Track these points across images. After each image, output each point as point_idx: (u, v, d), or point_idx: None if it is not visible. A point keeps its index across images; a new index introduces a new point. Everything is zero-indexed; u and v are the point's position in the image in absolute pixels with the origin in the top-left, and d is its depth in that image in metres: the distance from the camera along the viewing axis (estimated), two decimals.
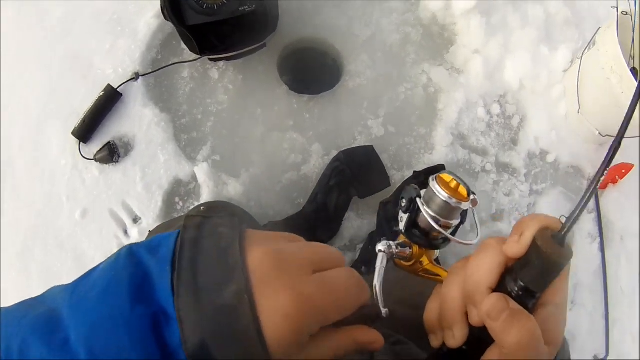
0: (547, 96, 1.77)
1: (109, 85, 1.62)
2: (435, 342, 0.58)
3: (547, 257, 0.50)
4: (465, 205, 0.63)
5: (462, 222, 0.67)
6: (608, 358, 1.68)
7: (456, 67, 1.78)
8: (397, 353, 0.75)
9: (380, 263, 0.63)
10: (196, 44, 1.56)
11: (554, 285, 0.52)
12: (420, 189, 0.69)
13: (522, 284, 0.51)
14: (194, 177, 1.62)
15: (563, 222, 0.51)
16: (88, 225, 1.59)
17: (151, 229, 1.44)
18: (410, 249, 0.66)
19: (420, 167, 1.65)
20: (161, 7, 1.54)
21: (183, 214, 1.60)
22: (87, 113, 1.60)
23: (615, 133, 1.72)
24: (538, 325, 0.49)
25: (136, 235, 1.58)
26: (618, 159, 1.75)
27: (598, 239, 1.73)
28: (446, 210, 0.63)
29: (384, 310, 0.56)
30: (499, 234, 1.66)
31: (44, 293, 0.47)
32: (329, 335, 0.46)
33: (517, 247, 0.52)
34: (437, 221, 0.63)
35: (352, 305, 0.47)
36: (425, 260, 0.66)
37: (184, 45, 1.66)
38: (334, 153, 1.64)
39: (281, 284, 0.42)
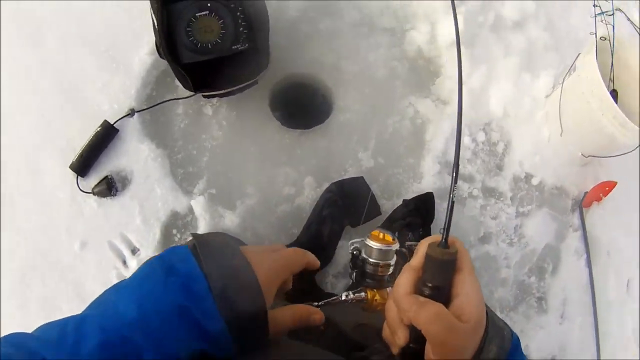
0: (530, 121, 1.84)
1: (105, 120, 1.66)
2: (394, 349, 0.75)
3: (435, 258, 0.69)
4: (394, 247, 0.88)
5: (404, 261, 0.82)
6: None
7: (442, 99, 1.85)
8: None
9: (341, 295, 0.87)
10: (190, 82, 1.62)
11: (459, 280, 0.69)
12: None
13: (428, 284, 0.69)
14: (190, 210, 1.66)
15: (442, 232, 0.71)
16: (87, 257, 1.62)
17: None
18: (365, 293, 0.85)
19: (409, 196, 1.70)
20: (156, 45, 1.60)
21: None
22: (84, 147, 1.64)
23: (597, 153, 1.79)
24: (453, 312, 0.66)
25: (135, 266, 1.60)
26: (601, 177, 1.82)
27: (584, 255, 1.79)
28: (382, 254, 0.87)
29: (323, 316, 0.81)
30: (487, 255, 1.72)
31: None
32: (292, 305, 0.78)
33: (415, 260, 0.73)
34: (377, 264, 0.88)
35: (297, 263, 0.81)
36: (378, 298, 0.86)
37: (177, 82, 1.70)
38: (326, 185, 1.69)
39: (260, 257, 0.74)
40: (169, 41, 1.57)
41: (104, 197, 1.64)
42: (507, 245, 1.74)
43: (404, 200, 1.67)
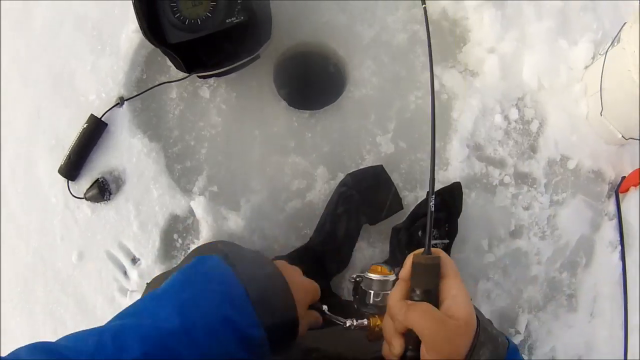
0: (567, 94, 1.63)
1: (92, 115, 1.48)
2: None
3: (420, 264, 0.74)
4: (392, 277, 0.91)
5: None
6: None
7: (470, 69, 1.63)
8: None
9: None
10: (182, 63, 1.41)
11: (445, 285, 0.72)
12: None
13: (417, 290, 0.74)
14: (191, 212, 1.51)
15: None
16: (85, 267, 1.51)
17: (148, 282, 1.36)
18: (367, 320, 0.89)
19: (436, 186, 1.53)
20: (139, 27, 1.38)
21: (183, 251, 1.51)
22: (71, 148, 1.48)
23: (638, 136, 1.60)
24: (442, 312, 0.69)
25: (136, 278, 1.49)
26: None
27: (619, 248, 1.65)
28: (381, 285, 0.91)
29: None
30: (517, 251, 1.58)
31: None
32: (308, 313, 0.85)
33: (403, 270, 0.77)
34: (378, 293, 0.91)
35: (316, 293, 0.89)
36: (380, 323, 0.87)
37: (170, 62, 1.51)
38: (341, 176, 1.52)
39: (293, 271, 0.83)
40: (151, 20, 1.37)
41: (97, 202, 1.50)
42: (539, 239, 1.59)
43: (428, 193, 1.51)
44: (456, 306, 0.69)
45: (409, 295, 0.75)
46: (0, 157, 1.55)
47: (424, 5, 1.21)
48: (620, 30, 1.48)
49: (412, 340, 0.72)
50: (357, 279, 0.99)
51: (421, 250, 0.77)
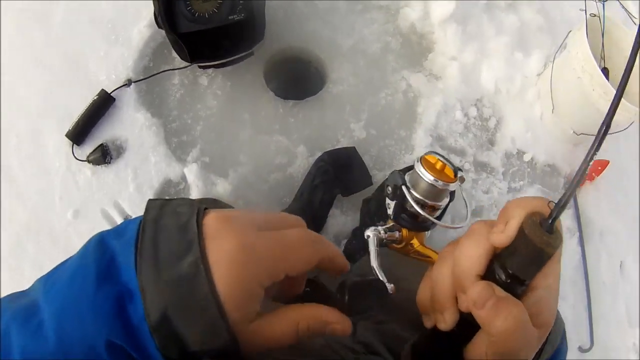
0: (522, 99, 1.86)
1: (102, 90, 1.68)
2: (428, 323, 0.57)
3: (535, 246, 0.46)
4: (452, 187, 0.64)
5: (451, 200, 0.69)
6: (593, 348, 1.73)
7: (434, 73, 1.87)
8: (379, 331, 0.75)
9: (373, 245, 0.63)
10: (187, 52, 1.64)
11: (544, 268, 0.50)
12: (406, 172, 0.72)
13: (510, 272, 0.49)
14: (183, 178, 1.68)
15: (551, 207, 0.47)
16: (80, 225, 1.64)
17: None
18: (399, 232, 0.67)
19: (400, 167, 1.70)
20: (154, 15, 1.62)
21: None
22: (81, 116, 1.66)
23: (588, 131, 1.79)
24: (527, 309, 0.49)
25: None
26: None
27: (577, 234, 1.79)
28: (433, 193, 0.64)
29: (389, 286, 0.59)
30: None
31: (31, 285, 0.50)
32: (292, 307, 0.48)
33: (502, 237, 0.49)
34: (424, 204, 0.64)
35: (303, 259, 0.47)
36: (415, 242, 0.67)
37: (174, 54, 1.73)
38: (319, 154, 1.70)
39: (227, 236, 0.43)
40: (167, 10, 1.59)
41: (98, 164, 1.66)
42: None
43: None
44: (548, 304, 0.52)
45: (491, 266, 0.51)
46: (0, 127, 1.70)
47: None
48: (566, 37, 1.72)
49: (464, 318, 0.52)
50: (395, 183, 0.69)
51: (536, 205, 0.49)
